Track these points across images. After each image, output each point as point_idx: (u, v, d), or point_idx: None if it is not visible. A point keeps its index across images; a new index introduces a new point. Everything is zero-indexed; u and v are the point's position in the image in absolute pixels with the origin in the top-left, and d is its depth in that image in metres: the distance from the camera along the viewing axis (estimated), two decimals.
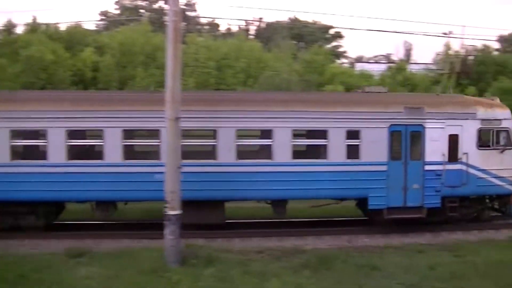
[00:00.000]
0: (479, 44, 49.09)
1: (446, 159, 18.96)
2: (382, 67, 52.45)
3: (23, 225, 17.99)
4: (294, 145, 18.28)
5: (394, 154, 18.76)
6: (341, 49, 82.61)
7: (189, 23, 62.22)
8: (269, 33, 64.49)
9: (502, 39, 64.19)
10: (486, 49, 50.48)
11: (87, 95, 21.93)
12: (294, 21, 71.52)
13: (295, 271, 14.38)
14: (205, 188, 17.58)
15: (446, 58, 38.92)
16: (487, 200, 20.35)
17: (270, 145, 18.17)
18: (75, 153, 17.72)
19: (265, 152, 18.44)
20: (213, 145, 18.10)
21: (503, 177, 19.34)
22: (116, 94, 21.79)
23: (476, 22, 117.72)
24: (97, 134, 17.87)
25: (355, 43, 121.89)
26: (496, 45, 64.04)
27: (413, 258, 16.02)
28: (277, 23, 67.90)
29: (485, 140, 19.47)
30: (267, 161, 18.21)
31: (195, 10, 70.96)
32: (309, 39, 71.59)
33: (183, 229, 14.94)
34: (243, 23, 68.16)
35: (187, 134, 16.98)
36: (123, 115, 17.69)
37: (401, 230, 19.18)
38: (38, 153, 17.87)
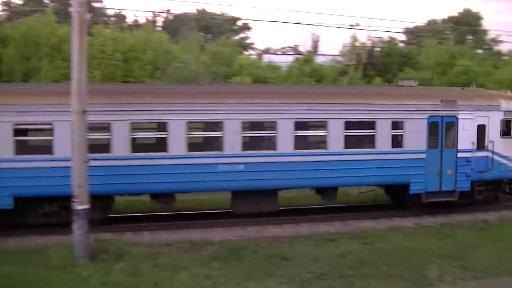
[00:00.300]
0: (385, 36, 51.08)
1: (475, 147, 20.99)
2: (289, 58, 53.39)
3: None
4: (346, 135, 19.51)
5: (431, 143, 20.53)
6: (248, 41, 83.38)
7: (95, 15, 60.86)
8: (176, 25, 64.20)
9: (407, 31, 66.86)
10: (392, 41, 52.51)
11: (149, 88, 22.09)
12: (202, 13, 71.42)
13: (205, 263, 14.51)
14: (264, 178, 18.68)
15: (353, 49, 40.14)
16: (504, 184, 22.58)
17: (325, 135, 19.41)
18: (138, 145, 18.20)
19: (320, 142, 19.64)
20: (273, 136, 19.07)
21: None
22: (179, 87, 22.00)
23: (382, 14, 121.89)
24: (161, 127, 18.24)
25: (263, 35, 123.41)
26: (402, 37, 66.80)
27: (323, 247, 16.43)
28: (185, 14, 67.69)
29: (506, 129, 21.78)
30: (322, 151, 19.41)
31: (101, 1, 69.69)
32: (216, 30, 71.75)
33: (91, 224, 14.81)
34: (150, 14, 67.59)
35: (248, 126, 18.83)
36: (187, 108, 18.20)
37: (309, 220, 19.79)
38: (104, 147, 17.80)
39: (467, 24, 74.58)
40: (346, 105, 19.65)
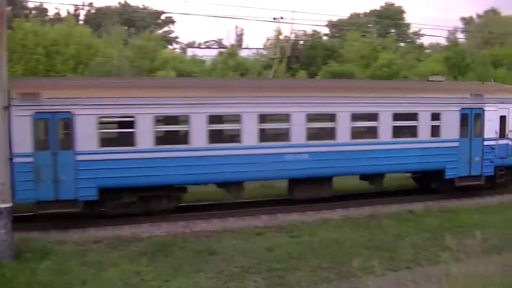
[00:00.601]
0: (309, 29, 51.68)
1: (498, 136, 23.48)
2: (213, 52, 53.36)
3: (156, 209, 19.12)
4: (393, 126, 21.60)
5: (462, 132, 22.95)
6: (172, 35, 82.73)
7: (16, 8, 58.87)
8: (99, 19, 62.90)
9: (330, 25, 67.97)
10: (315, 35, 53.20)
11: (225, 82, 24.53)
12: (125, 6, 70.43)
13: (133, 259, 14.48)
14: (324, 166, 20.52)
15: (277, 43, 40.50)
16: None
17: (376, 126, 21.36)
18: (214, 137, 19.17)
19: (372, 132, 21.55)
20: (332, 127, 20.81)
21: None
22: (254, 82, 24.73)
23: (306, 7, 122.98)
24: (235, 119, 19.65)
25: (187, 28, 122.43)
26: (325, 31, 67.83)
27: (251, 241, 16.60)
28: (107, 8, 66.41)
29: None
30: (373, 140, 21.41)
31: None
32: (140, 24, 70.91)
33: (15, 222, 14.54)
34: (72, 8, 65.98)
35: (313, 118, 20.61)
36: (259, 101, 19.65)
37: (237, 214, 19.92)
38: (179, 138, 19.26)
39: (390, 17, 76.66)
40: (392, 99, 21.83)
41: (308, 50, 48.25)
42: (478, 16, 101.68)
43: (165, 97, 18.58)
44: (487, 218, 19.28)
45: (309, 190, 20.90)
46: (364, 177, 22.86)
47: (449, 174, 22.72)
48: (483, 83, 26.59)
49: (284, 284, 12.95)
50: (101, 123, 17.85)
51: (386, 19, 74.05)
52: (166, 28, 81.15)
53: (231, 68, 40.27)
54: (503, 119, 23.89)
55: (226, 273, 13.63)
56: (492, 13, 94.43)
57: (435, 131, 22.42)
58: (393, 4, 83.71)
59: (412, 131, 22.18)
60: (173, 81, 24.33)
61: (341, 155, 20.71)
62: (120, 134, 18.86)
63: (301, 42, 47.27)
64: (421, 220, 19.31)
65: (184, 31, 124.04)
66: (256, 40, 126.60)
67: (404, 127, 22.12)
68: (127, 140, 18.22)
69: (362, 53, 47.65)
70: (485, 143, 23.37)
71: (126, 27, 62.96)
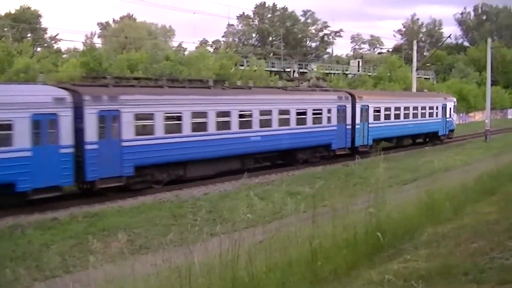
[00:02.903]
0: None
1: None
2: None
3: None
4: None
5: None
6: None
7: None
8: None
9: None
10: None
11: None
12: None
13: None
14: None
15: None
16: None
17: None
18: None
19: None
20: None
21: None
22: None
23: None
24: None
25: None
26: None
27: None
28: None
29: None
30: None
31: None
32: None
33: None
34: None
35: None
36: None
37: None
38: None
39: (26, 21, 73.90)
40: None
41: None
42: (115, 21, 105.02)
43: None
44: (131, 220, 19.83)
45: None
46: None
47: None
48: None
49: None
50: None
51: (22, 23, 71.53)
52: None
53: None
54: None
55: None
56: (128, 19, 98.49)
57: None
58: (30, 8, 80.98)
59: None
60: None
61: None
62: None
63: None
64: (66, 227, 18.98)
65: None
66: None
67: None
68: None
69: None
70: None
71: None
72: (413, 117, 43.94)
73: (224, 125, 27.65)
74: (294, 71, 70.56)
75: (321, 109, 33.72)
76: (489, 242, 8.54)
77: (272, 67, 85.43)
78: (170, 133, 25.20)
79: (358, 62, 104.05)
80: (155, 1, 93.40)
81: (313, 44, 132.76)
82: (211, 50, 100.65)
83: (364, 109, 37.27)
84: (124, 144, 23.34)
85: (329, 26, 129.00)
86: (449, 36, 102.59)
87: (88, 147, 21.99)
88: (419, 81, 65.24)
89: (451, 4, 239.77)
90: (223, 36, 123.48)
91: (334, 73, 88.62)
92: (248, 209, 8.34)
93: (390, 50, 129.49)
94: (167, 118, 25.15)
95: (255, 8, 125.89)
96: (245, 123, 28.87)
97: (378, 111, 38.99)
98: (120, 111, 23.15)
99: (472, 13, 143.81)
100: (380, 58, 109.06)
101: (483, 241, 8.77)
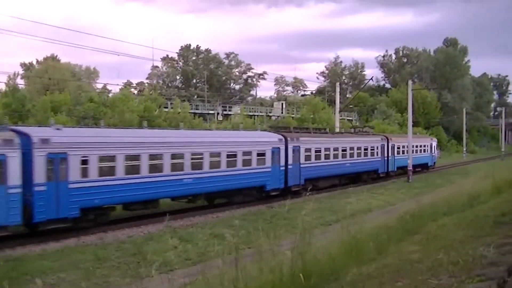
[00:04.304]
0: None
1: None
2: None
3: None
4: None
5: None
6: None
7: None
8: None
9: None
10: None
11: None
12: None
13: None
14: None
15: None
16: None
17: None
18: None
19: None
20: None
21: None
22: None
23: None
24: None
25: None
26: None
27: None
28: None
29: None
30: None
31: None
32: None
33: None
34: None
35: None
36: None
37: None
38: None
39: None
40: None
41: None
42: (38, 62, 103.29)
43: None
44: (55, 264, 19.38)
45: None
46: None
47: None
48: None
49: None
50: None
51: None
52: None
53: None
54: None
55: None
56: (51, 60, 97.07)
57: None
58: None
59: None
60: None
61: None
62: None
63: None
64: None
65: None
66: None
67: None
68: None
69: None
70: None
71: None
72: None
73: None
74: (218, 113, 71.61)
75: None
76: (413, 281, 8.65)
77: (196, 109, 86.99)
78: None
79: (282, 104, 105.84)
80: (79, 42, 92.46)
81: (237, 86, 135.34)
82: (135, 92, 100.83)
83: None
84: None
85: (252, 69, 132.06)
86: (371, 78, 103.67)
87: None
88: (342, 123, 67.31)
89: (373, 47, 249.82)
90: (147, 78, 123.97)
91: (257, 115, 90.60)
92: (172, 251, 8.65)
93: (314, 92, 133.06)
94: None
95: (179, 50, 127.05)
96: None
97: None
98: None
99: (394, 56, 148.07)
100: (303, 100, 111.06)
101: (407, 279, 8.85)
